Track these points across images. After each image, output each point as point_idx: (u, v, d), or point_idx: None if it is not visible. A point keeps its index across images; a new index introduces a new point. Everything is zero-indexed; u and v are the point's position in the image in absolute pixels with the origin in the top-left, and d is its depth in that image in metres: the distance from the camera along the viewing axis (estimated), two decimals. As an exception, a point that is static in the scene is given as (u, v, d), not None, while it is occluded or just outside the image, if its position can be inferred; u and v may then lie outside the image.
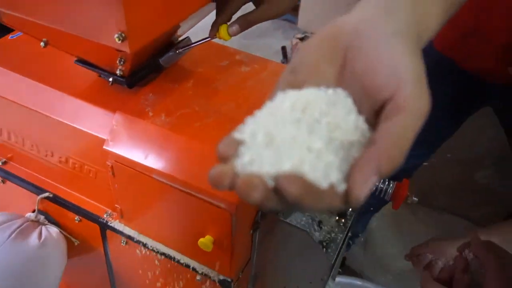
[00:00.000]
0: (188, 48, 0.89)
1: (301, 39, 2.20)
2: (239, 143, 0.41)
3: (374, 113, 0.40)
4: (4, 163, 1.05)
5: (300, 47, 0.46)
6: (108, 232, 0.97)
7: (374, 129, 0.40)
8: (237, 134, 0.42)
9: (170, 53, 0.87)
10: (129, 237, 0.94)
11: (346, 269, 1.61)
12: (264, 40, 2.64)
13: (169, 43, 0.90)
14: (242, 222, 0.82)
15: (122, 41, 0.61)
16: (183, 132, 0.81)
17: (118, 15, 0.59)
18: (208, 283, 0.91)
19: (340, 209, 0.40)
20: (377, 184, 0.87)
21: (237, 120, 0.83)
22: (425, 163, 1.49)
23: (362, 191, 0.36)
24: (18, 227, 0.97)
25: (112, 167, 0.85)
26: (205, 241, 0.82)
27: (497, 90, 1.15)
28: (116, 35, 0.61)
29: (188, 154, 0.80)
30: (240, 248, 0.87)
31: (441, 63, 1.16)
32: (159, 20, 0.72)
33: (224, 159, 0.40)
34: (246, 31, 0.84)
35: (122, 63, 0.73)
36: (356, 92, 0.42)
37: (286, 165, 0.36)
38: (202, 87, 0.91)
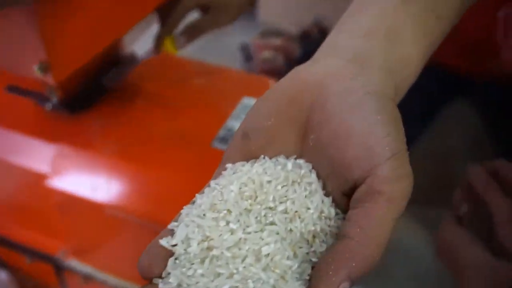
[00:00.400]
0: (132, 63, 0.82)
1: (262, 37, 2.14)
2: (167, 253, 0.32)
3: (343, 194, 0.33)
4: None
5: (255, 104, 0.38)
6: (65, 272, 0.90)
7: (344, 213, 0.32)
8: (163, 242, 0.33)
9: (113, 71, 0.81)
10: (89, 276, 0.87)
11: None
12: (221, 39, 2.55)
13: (113, 60, 0.84)
14: None
15: (44, 71, 0.53)
16: (136, 160, 0.76)
17: (36, 43, 0.50)
18: None
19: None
20: None
21: (194, 141, 0.79)
22: None
23: None
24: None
25: (58, 205, 0.78)
26: None
27: (472, 85, 1.16)
28: (36, 66, 0.52)
29: (142, 182, 0.75)
30: None
31: None
32: (88, 43, 0.65)
33: (146, 278, 0.32)
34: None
35: (51, 92, 0.66)
36: (322, 165, 0.34)
37: None
38: (154, 106, 0.85)
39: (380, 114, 0.31)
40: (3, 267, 0.96)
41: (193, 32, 0.77)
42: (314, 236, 0.32)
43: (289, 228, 0.31)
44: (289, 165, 0.34)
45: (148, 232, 0.74)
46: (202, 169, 0.74)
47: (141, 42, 0.88)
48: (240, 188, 0.33)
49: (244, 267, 0.29)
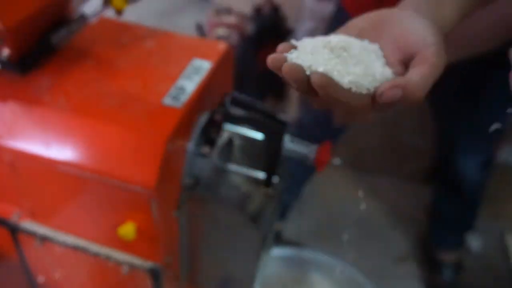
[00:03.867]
0: (81, 22, 0.82)
1: (216, 14, 2.15)
2: (292, 47, 0.50)
3: (401, 64, 0.50)
4: None
5: (349, 21, 0.56)
6: (19, 234, 0.90)
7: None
8: (293, 41, 0.51)
9: (62, 30, 0.81)
10: (43, 236, 0.87)
11: (283, 240, 1.62)
12: (176, 20, 2.55)
13: (61, 20, 0.83)
14: (164, 205, 0.79)
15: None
16: (87, 114, 0.76)
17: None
18: (136, 275, 0.86)
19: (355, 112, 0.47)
20: (300, 150, 0.87)
21: (144, 98, 0.80)
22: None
23: (388, 90, 0.44)
24: None
25: (11, 163, 0.78)
26: (126, 229, 0.78)
27: None
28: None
29: (95, 138, 0.75)
30: (165, 231, 0.83)
31: None
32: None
33: (280, 52, 0.50)
34: (157, 10, 0.81)
35: (1, 43, 0.66)
36: (387, 45, 0.52)
37: (320, 68, 0.46)
38: (103, 67, 0.85)
39: (431, 27, 0.50)
40: None
41: None
42: (376, 82, 0.47)
43: (361, 67, 0.48)
44: (366, 41, 0.51)
45: (104, 187, 0.75)
46: (153, 124, 0.76)
47: (89, 3, 0.88)
48: (337, 40, 0.50)
49: (333, 66, 0.46)
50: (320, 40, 0.51)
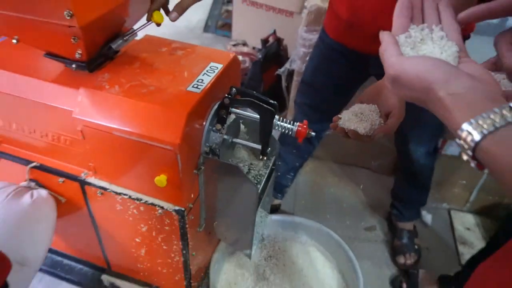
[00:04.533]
0: (133, 33, 0.89)
1: (234, 45, 2.24)
2: (339, 118, 0.78)
3: (385, 115, 0.77)
4: (-3, 145, 1.03)
5: (364, 91, 0.82)
6: (86, 187, 0.97)
7: None
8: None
9: (119, 39, 0.88)
10: (103, 188, 0.94)
11: (280, 211, 1.66)
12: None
13: (118, 32, 0.90)
14: (186, 163, 0.84)
15: (71, 17, 0.63)
16: (133, 97, 0.82)
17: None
18: (167, 214, 0.92)
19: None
20: (286, 126, 0.91)
21: (174, 87, 0.86)
22: (327, 132, 1.54)
23: (377, 132, 0.73)
24: (13, 191, 0.95)
25: (81, 131, 0.85)
26: (160, 178, 0.84)
27: (378, 61, 1.16)
28: (65, 12, 0.62)
29: (139, 112, 0.81)
30: (188, 184, 0.89)
31: (334, 47, 1.21)
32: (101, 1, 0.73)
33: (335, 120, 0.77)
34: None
35: (76, 41, 0.73)
36: (381, 107, 0.78)
37: (352, 127, 0.75)
38: (146, 67, 0.92)
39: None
40: (43, 187, 1.03)
41: (180, 8, 0.82)
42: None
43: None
44: (372, 106, 0.77)
45: (144, 147, 0.80)
46: (179, 102, 0.81)
47: (137, 23, 0.95)
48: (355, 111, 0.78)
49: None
50: (350, 111, 0.78)
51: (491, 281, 0.46)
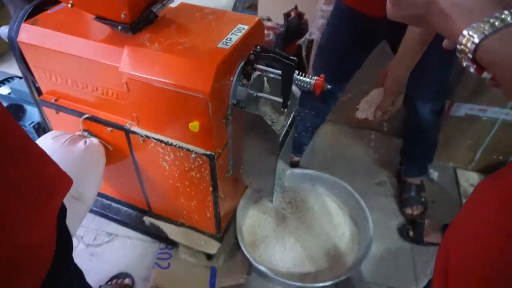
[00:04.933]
0: (169, 1, 0.92)
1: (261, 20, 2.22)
2: None
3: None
4: (56, 100, 1.08)
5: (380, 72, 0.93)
6: (130, 135, 1.02)
7: None
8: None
9: (159, 5, 0.91)
10: (145, 136, 0.99)
11: (299, 166, 1.69)
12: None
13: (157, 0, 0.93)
14: (216, 110, 0.87)
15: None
16: (170, 53, 0.85)
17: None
18: (199, 158, 0.97)
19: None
20: (305, 80, 0.92)
21: (205, 45, 0.88)
22: (348, 95, 1.53)
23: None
24: (70, 138, 1.02)
25: (126, 83, 0.89)
26: (194, 124, 0.88)
27: (388, 24, 1.09)
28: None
29: (175, 66, 0.83)
30: (217, 131, 0.92)
31: (347, 12, 1.20)
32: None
33: None
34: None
35: (123, 4, 0.75)
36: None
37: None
38: (181, 28, 0.94)
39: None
40: (94, 136, 1.08)
41: None
42: None
43: None
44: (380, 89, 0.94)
45: (180, 96, 0.83)
46: (210, 56, 0.83)
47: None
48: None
49: None
50: (364, 100, 0.81)
51: (491, 193, 0.45)
